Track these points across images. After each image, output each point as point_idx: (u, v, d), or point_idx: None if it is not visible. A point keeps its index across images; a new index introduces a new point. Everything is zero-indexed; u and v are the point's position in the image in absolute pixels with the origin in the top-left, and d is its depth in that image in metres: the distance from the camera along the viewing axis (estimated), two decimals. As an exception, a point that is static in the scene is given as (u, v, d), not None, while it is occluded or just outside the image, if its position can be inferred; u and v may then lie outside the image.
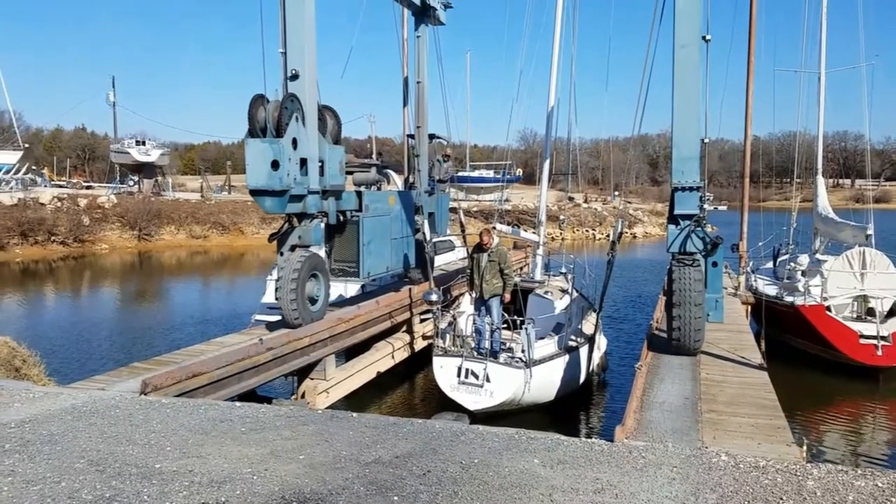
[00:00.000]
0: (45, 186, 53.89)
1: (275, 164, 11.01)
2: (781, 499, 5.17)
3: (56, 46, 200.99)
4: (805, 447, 6.90)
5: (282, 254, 12.05)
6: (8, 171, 51.95)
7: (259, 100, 11.42)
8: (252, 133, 11.36)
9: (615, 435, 6.75)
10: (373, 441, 6.46)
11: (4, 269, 36.72)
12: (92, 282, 34.97)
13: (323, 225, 13.13)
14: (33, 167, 62.16)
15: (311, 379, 12.13)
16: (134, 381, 8.56)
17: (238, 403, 8.25)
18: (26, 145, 65.32)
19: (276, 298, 11.79)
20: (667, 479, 5.55)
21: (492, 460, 5.94)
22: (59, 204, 45.19)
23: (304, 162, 11.72)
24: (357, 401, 13.15)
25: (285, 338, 11.18)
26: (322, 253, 13.51)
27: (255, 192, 11.33)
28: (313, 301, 12.16)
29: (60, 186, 57.48)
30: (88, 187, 60.09)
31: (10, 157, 57.93)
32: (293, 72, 11.91)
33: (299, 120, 11.54)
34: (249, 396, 10.31)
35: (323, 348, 12.16)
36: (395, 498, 5.09)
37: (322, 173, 12.33)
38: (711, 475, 5.65)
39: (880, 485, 5.47)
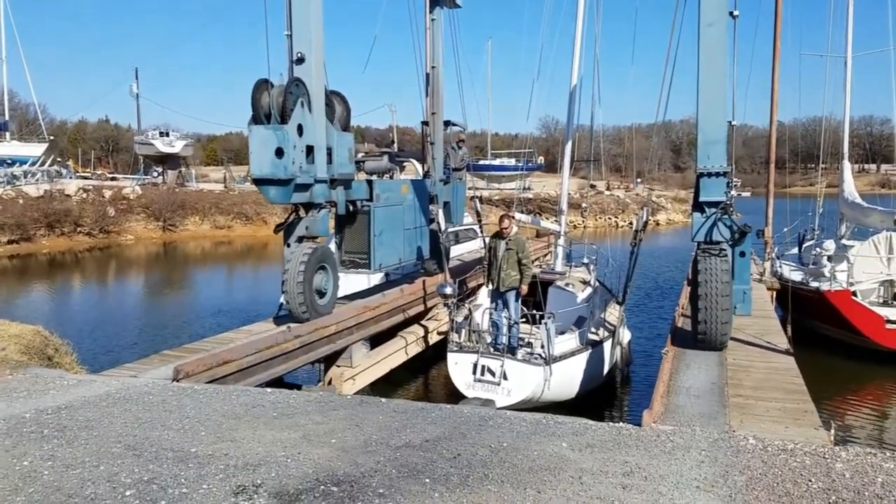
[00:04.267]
0: (71, 178, 54.40)
1: (279, 152, 10.61)
2: (810, 480, 5.19)
3: (79, 39, 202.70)
4: (832, 431, 6.89)
5: (288, 245, 11.70)
6: (34, 164, 52.48)
7: (263, 85, 11.01)
8: (256, 119, 10.98)
9: (643, 419, 6.79)
10: (402, 426, 6.54)
11: (32, 259, 37.22)
12: (118, 272, 35.38)
13: (332, 215, 12.74)
14: (58, 159, 62.74)
15: (338, 366, 12.16)
16: (165, 369, 8.72)
17: (269, 389, 8.36)
18: (51, 137, 66.04)
19: (283, 292, 11.35)
20: (695, 462, 5.58)
21: (520, 444, 6.00)
22: (84, 195, 45.69)
23: (310, 149, 11.30)
24: (382, 388, 13.15)
25: (312, 325, 11.24)
26: (332, 244, 13.19)
27: (259, 181, 10.99)
28: (321, 294, 11.76)
29: (85, 178, 58.05)
30: (113, 178, 60.70)
31: (36, 149, 58.59)
32: (299, 55, 11.42)
33: (305, 105, 11.12)
34: (277, 384, 10.34)
35: (349, 336, 12.21)
36: (427, 480, 5.17)
37: (330, 161, 11.91)
38: (740, 458, 5.67)
39: (910, 467, 5.47)
